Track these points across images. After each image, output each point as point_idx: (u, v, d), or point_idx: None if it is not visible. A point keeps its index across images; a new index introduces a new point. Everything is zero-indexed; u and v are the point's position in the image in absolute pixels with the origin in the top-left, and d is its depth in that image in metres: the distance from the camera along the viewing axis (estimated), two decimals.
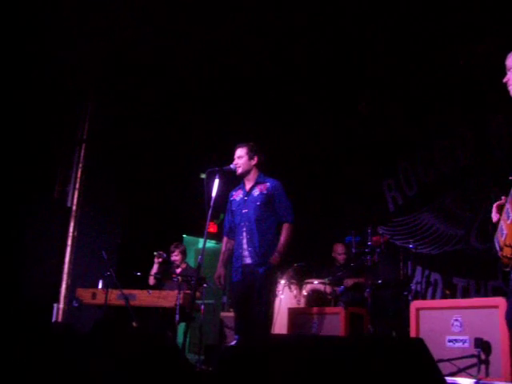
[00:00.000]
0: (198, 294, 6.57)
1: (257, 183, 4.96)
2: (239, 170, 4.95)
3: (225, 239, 5.17)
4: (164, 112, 8.19)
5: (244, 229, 4.87)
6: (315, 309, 6.01)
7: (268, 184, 4.95)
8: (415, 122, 7.76)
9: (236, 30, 6.81)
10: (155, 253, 6.67)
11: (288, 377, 2.22)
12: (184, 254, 7.22)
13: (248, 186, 5.00)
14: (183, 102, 8.12)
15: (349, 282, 6.61)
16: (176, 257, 7.07)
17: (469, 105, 7.14)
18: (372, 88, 7.81)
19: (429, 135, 7.73)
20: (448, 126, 7.50)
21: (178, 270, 7.05)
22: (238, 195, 5.08)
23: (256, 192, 4.93)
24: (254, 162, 5.00)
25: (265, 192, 4.89)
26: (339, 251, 7.11)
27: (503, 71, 3.01)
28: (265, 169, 5.11)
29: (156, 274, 6.79)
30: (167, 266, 7.12)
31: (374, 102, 7.94)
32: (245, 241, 4.85)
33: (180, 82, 7.73)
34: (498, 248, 3.38)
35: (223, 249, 5.14)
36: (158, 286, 6.83)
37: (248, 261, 4.81)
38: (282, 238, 4.81)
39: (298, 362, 2.24)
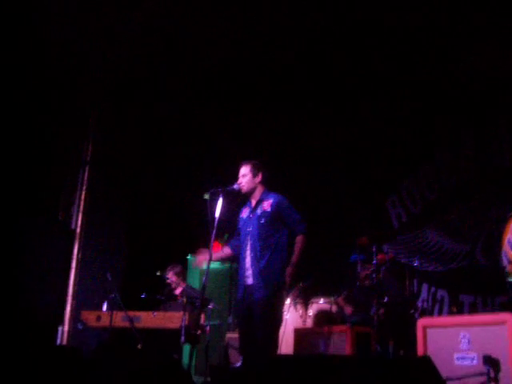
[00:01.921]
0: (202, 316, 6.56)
1: (261, 200, 4.94)
2: (244, 189, 4.94)
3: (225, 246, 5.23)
4: (167, 133, 8.23)
5: (248, 247, 4.85)
6: (321, 328, 5.97)
7: (271, 200, 4.91)
8: (417, 136, 7.76)
9: (236, 38, 6.85)
10: (158, 273, 6.66)
11: None
12: (180, 274, 7.11)
13: (253, 203, 4.99)
14: (185, 123, 8.16)
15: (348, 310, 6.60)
16: (171, 278, 7.00)
17: (470, 118, 7.16)
18: (375, 103, 7.83)
19: (431, 150, 7.73)
20: (450, 139, 7.50)
21: (178, 291, 7.02)
22: (245, 213, 5.07)
23: (260, 210, 4.90)
24: (258, 179, 4.99)
25: (268, 210, 4.86)
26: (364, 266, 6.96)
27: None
28: (270, 186, 5.10)
29: (160, 295, 6.76)
30: (171, 288, 7.11)
31: (378, 116, 7.96)
32: (248, 259, 4.82)
33: (183, 101, 7.77)
34: (506, 262, 3.37)
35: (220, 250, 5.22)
36: (163, 307, 6.81)
37: (250, 281, 4.77)
38: (295, 251, 4.80)
39: (304, 382, 2.22)
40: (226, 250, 5.24)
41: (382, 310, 5.84)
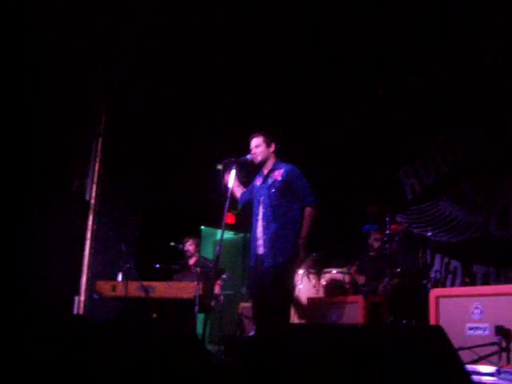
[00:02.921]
0: (219, 284, 6.65)
1: (272, 170, 4.93)
2: (259, 158, 4.92)
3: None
4: (180, 104, 8.21)
5: (260, 216, 4.85)
6: (334, 298, 6.01)
7: (282, 170, 4.88)
8: (433, 109, 7.70)
9: (249, 20, 6.81)
10: (172, 243, 6.72)
11: (306, 366, 2.23)
12: (198, 246, 7.29)
13: (265, 173, 4.99)
14: (200, 93, 8.13)
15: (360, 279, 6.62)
16: (190, 246, 7.13)
17: (485, 92, 7.07)
18: (390, 75, 7.76)
19: (446, 122, 7.67)
20: (465, 113, 7.43)
21: (192, 261, 7.10)
22: (259, 180, 5.07)
23: (271, 179, 4.90)
24: (272, 148, 4.98)
25: (279, 178, 4.83)
26: (376, 237, 6.96)
27: None
28: (282, 156, 5.09)
29: (175, 265, 6.84)
30: (186, 260, 7.19)
31: (392, 88, 7.89)
32: (260, 229, 4.82)
33: (195, 74, 7.74)
34: None
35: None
36: (177, 277, 6.90)
37: (261, 251, 4.77)
38: (304, 223, 4.75)
39: (317, 351, 2.25)
40: (237, 192, 5.19)
41: (394, 281, 5.86)
